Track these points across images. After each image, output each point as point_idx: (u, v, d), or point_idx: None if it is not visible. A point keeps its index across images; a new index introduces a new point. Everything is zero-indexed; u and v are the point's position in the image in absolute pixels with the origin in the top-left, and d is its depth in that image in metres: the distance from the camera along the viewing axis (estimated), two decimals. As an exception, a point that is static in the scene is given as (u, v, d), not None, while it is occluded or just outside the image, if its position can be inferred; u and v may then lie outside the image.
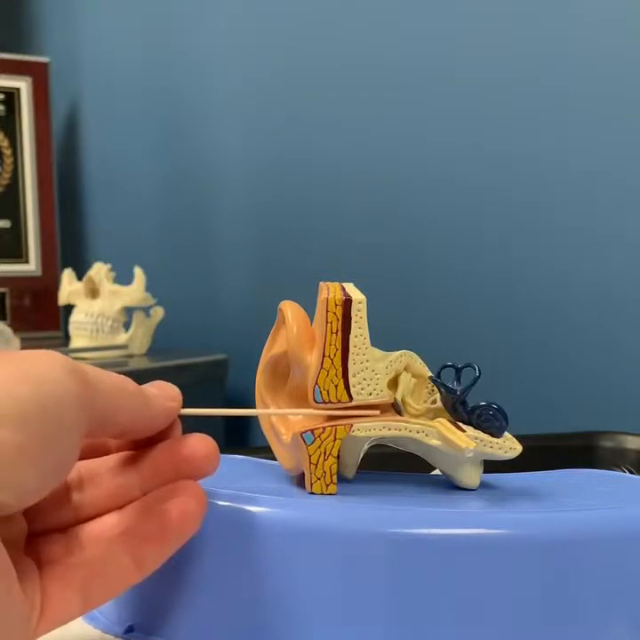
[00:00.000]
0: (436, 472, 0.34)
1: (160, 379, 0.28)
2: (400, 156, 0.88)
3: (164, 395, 0.27)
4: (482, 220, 0.82)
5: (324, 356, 0.30)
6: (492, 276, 0.81)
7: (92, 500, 0.27)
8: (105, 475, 0.28)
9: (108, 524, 0.27)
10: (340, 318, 0.30)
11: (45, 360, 0.23)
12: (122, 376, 0.26)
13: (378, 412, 0.31)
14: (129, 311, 0.99)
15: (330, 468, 0.30)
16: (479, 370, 0.31)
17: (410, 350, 0.33)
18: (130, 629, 0.30)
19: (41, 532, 0.26)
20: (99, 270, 0.99)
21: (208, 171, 1.09)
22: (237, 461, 0.28)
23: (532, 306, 0.79)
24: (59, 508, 0.27)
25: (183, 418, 0.29)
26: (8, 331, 0.88)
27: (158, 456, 0.27)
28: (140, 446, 0.28)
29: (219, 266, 1.08)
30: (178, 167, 1.13)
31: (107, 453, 0.28)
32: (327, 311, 0.30)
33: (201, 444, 0.27)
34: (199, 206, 1.10)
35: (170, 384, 0.28)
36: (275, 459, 0.33)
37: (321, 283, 0.33)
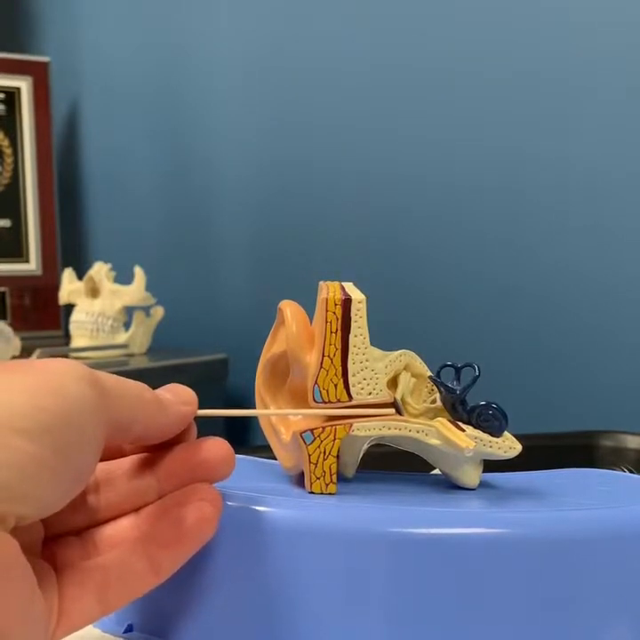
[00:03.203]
0: (436, 471, 0.34)
1: (160, 378, 0.28)
2: (400, 155, 0.88)
3: (180, 400, 0.27)
4: (482, 220, 0.82)
5: (323, 355, 0.30)
6: (490, 275, 0.81)
7: (107, 502, 0.27)
8: (120, 477, 0.27)
9: (124, 527, 0.27)
10: (339, 318, 0.30)
11: (64, 370, 0.23)
12: (139, 383, 0.26)
13: (378, 411, 0.30)
14: (129, 310, 0.99)
15: (329, 467, 0.30)
16: (479, 369, 0.31)
17: (409, 350, 0.32)
18: (129, 629, 0.30)
19: (56, 536, 0.26)
20: (99, 270, 0.99)
21: (208, 170, 1.08)
22: (237, 461, 0.28)
23: (531, 305, 0.79)
24: (74, 511, 0.26)
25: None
26: (8, 330, 0.88)
27: (174, 459, 0.27)
28: (156, 449, 0.28)
29: (219, 265, 1.08)
30: (178, 167, 1.13)
31: (122, 456, 0.28)
32: (326, 311, 0.30)
33: (217, 447, 0.27)
34: (199, 206, 1.10)
35: (185, 387, 0.28)
36: (274, 458, 0.33)
37: (321, 282, 0.33)
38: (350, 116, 0.92)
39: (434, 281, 0.86)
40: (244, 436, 1.03)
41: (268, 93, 1.01)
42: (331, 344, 0.30)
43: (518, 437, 0.31)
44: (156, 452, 0.28)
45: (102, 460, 0.27)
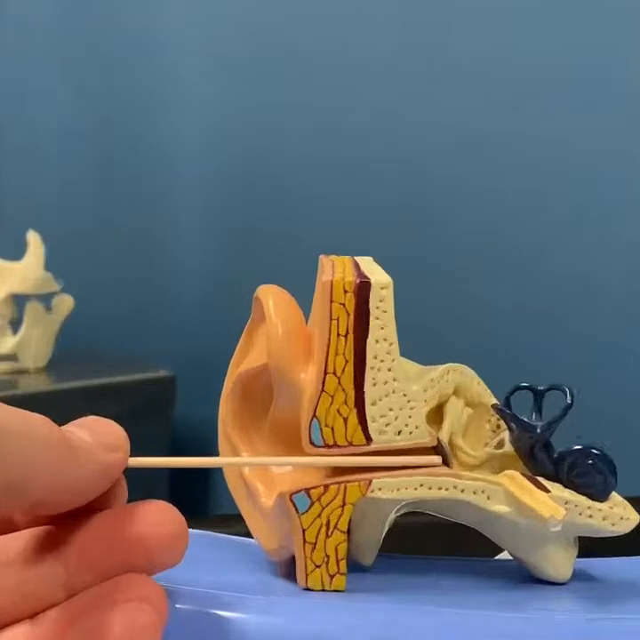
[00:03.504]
0: (504, 555, 0.35)
1: (70, 407, 0.28)
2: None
3: (102, 442, 0.27)
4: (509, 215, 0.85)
5: (326, 372, 0.30)
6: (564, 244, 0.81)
7: None
8: (11, 565, 0.27)
9: None
10: (351, 312, 0.30)
11: None
12: (37, 416, 0.25)
13: (412, 460, 0.30)
14: (20, 301, 0.99)
15: (336, 549, 0.31)
16: (572, 395, 0.31)
17: (456, 363, 0.33)
18: None
19: None
20: (-26, 240, 0.99)
21: (155, 95, 1.10)
22: (191, 538, 0.27)
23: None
24: None
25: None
26: None
27: (93, 536, 0.27)
28: (65, 520, 0.27)
29: (166, 236, 1.10)
30: (100, 81, 1.13)
31: (11, 530, 0.28)
32: (332, 301, 0.30)
33: (159, 517, 0.27)
34: (137, 142, 1.12)
35: (110, 422, 0.28)
36: (248, 534, 0.34)
37: (322, 256, 0.33)
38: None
39: (479, 255, 0.86)
40: (201, 500, 1.04)
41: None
42: (338, 354, 0.30)
43: (633, 501, 0.31)
44: (65, 524, 0.27)
45: None
